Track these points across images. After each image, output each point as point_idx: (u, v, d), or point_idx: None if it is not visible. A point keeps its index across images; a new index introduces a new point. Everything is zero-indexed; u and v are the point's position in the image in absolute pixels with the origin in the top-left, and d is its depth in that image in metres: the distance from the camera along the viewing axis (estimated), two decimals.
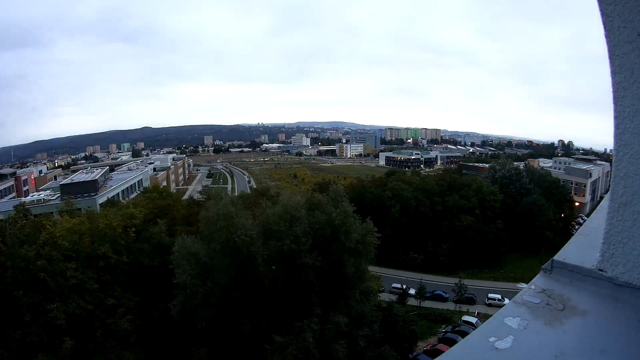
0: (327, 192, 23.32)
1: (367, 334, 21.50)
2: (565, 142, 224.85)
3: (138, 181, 68.03)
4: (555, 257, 1.48)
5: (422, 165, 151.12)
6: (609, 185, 1.35)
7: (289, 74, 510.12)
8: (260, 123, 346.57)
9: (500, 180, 62.28)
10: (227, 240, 19.33)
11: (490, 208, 55.05)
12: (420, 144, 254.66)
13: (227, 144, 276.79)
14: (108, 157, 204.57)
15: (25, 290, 17.21)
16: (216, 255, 19.86)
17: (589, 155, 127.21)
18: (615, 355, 1.06)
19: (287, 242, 19.58)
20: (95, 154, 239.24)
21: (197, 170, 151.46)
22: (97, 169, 73.72)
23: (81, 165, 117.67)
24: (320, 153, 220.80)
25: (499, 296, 39.64)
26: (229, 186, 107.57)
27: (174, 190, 67.51)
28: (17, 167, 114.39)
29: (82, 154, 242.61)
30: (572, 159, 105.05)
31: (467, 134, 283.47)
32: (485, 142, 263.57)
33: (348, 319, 20.17)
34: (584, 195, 78.16)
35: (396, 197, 53.01)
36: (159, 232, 24.91)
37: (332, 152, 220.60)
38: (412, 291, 39.92)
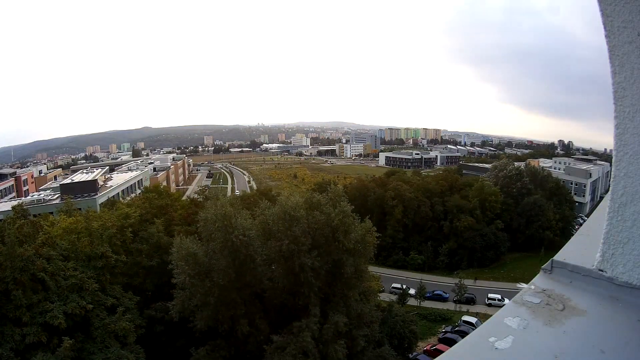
0: (326, 192, 23.29)
1: (366, 334, 21.48)
2: (565, 142, 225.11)
3: (138, 181, 68.05)
4: (555, 257, 1.48)
5: (422, 165, 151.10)
6: (609, 185, 1.35)
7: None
8: (260, 123, 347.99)
9: (501, 180, 62.36)
10: (226, 241, 19.32)
11: (490, 208, 55.11)
12: (420, 144, 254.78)
13: (227, 144, 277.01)
14: (108, 157, 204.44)
15: (24, 290, 17.21)
16: (215, 255, 19.86)
17: (589, 155, 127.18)
18: (615, 355, 1.06)
19: (286, 242, 19.57)
20: (95, 154, 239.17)
21: (197, 170, 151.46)
22: (97, 169, 73.85)
23: (81, 165, 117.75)
24: (320, 153, 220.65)
25: (499, 296, 39.70)
26: (229, 186, 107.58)
27: (174, 190, 67.49)
28: (17, 167, 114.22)
29: (82, 154, 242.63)
30: (572, 159, 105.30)
31: (467, 134, 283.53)
32: (485, 142, 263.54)
33: (347, 319, 20.15)
34: (584, 195, 78.16)
35: (398, 197, 53.08)
36: (157, 232, 24.96)
37: (332, 152, 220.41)
38: (412, 291, 39.93)
